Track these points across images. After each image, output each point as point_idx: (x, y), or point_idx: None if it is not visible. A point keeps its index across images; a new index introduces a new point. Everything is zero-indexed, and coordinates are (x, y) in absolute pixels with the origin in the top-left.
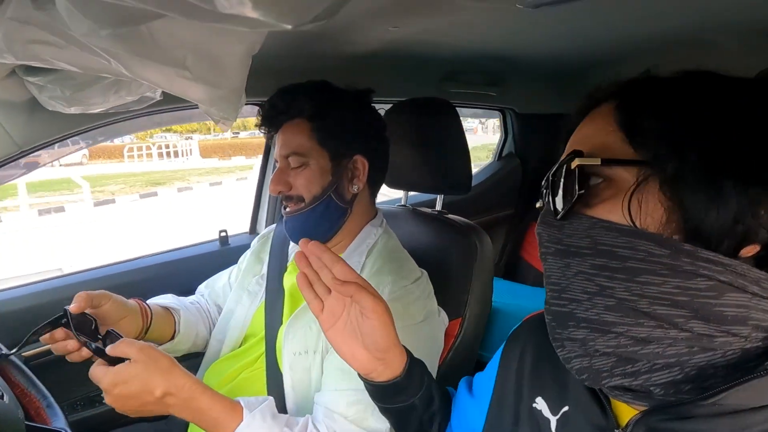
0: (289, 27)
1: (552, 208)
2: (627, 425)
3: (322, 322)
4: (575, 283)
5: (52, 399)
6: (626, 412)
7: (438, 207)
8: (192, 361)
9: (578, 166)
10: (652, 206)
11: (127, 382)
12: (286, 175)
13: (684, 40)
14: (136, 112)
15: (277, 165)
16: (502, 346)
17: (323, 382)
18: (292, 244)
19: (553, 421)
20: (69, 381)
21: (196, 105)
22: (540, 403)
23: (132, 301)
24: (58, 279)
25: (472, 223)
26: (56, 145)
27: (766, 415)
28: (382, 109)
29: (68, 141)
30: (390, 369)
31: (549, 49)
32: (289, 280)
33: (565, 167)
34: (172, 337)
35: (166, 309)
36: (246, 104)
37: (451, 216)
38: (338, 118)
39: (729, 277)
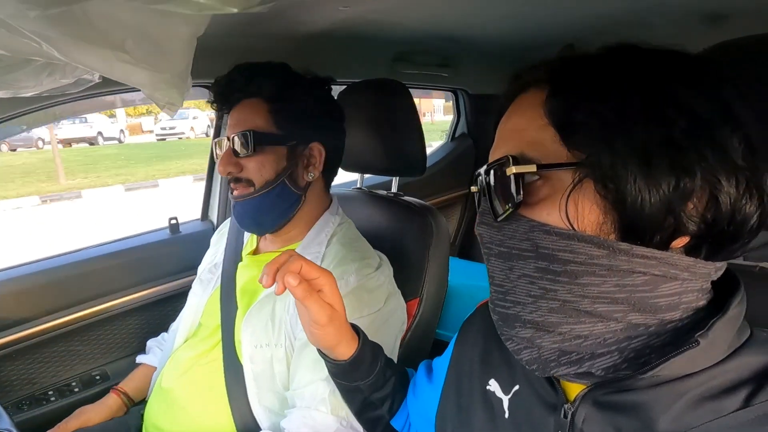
0: (235, 10)
1: (490, 209)
2: (575, 400)
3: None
4: (519, 286)
5: None
6: (574, 387)
7: (394, 189)
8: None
9: (515, 173)
10: (588, 207)
11: None
12: (237, 156)
13: (624, 21)
14: (73, 95)
15: (227, 145)
16: (454, 338)
17: (297, 378)
18: (247, 235)
19: (506, 400)
20: (11, 380)
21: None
22: (493, 385)
23: (111, 400)
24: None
25: (428, 204)
26: None
27: (699, 379)
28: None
29: None
30: (342, 347)
31: (497, 30)
32: (244, 273)
33: (499, 171)
34: None
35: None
36: (195, 86)
37: (406, 198)
38: (298, 103)
39: (662, 270)
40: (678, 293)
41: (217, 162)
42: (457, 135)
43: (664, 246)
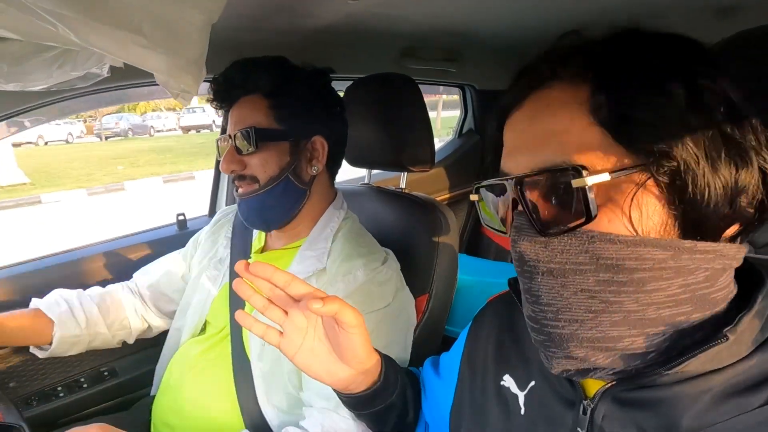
0: None
1: (533, 224)
2: (594, 396)
3: (285, 349)
4: (576, 303)
5: (2, 394)
6: (593, 384)
7: (402, 185)
8: (151, 350)
9: (579, 187)
10: (652, 209)
11: None
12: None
13: (634, 13)
14: (81, 90)
15: (230, 143)
16: (467, 327)
17: (308, 381)
18: (255, 232)
19: (521, 396)
20: (20, 376)
21: (145, 83)
22: (507, 380)
23: None
24: (9, 269)
25: (436, 200)
26: None
27: (723, 376)
28: (340, 89)
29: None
30: (368, 377)
31: (505, 25)
32: None
33: (552, 183)
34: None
35: (36, 315)
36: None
37: (414, 193)
38: (298, 97)
39: (720, 263)
40: (728, 284)
41: (221, 159)
42: (464, 131)
43: (717, 237)
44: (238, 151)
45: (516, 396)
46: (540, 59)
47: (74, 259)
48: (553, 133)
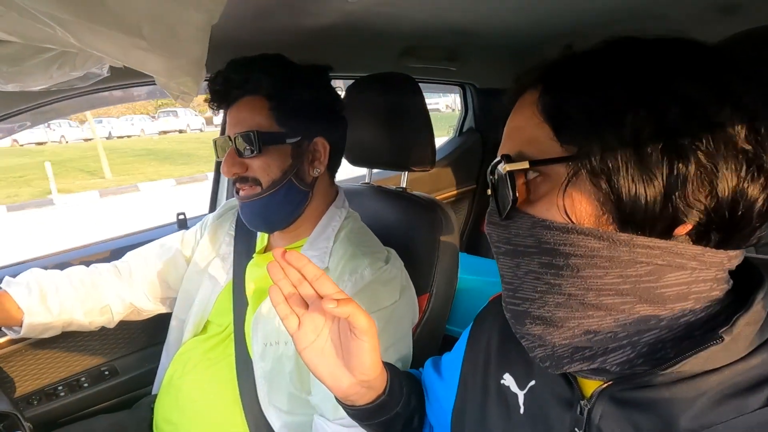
0: None
1: (496, 208)
2: (591, 396)
3: (298, 340)
4: (526, 282)
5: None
6: (590, 384)
7: (403, 184)
8: (152, 348)
9: (508, 172)
10: (585, 200)
11: None
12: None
13: (635, 12)
14: (81, 90)
15: (230, 145)
16: (469, 327)
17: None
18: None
19: (521, 395)
20: (21, 376)
21: (146, 83)
22: (507, 379)
23: None
24: (10, 268)
25: (437, 199)
26: None
27: (720, 376)
28: (340, 87)
29: None
30: (371, 391)
31: (505, 23)
32: (254, 271)
33: (497, 170)
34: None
35: (6, 298)
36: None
37: (415, 192)
38: (299, 98)
39: (666, 259)
40: (686, 283)
41: (222, 162)
42: (464, 129)
43: (667, 234)
44: (239, 153)
45: (516, 395)
46: (523, 71)
47: (73, 259)
48: (516, 129)
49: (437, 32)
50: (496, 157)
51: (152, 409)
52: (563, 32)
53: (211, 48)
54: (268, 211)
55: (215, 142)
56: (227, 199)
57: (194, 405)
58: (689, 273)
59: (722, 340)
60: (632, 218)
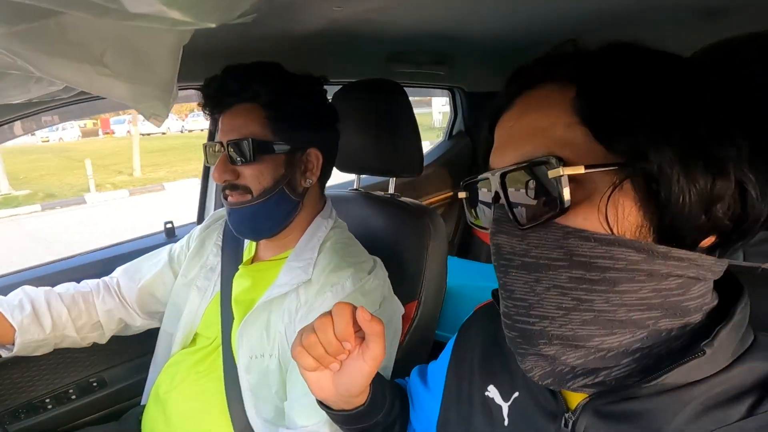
0: (213, 25)
1: (512, 217)
2: (576, 409)
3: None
4: (548, 299)
5: None
6: (575, 396)
7: (391, 190)
8: (140, 359)
9: (562, 176)
10: (628, 210)
11: None
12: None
13: (621, 18)
14: (64, 101)
15: (222, 151)
16: (454, 337)
17: (295, 395)
18: (246, 241)
19: (505, 407)
20: (7, 389)
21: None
22: (492, 391)
23: None
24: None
25: (425, 204)
26: None
27: (703, 387)
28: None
29: None
30: (353, 400)
31: (493, 28)
32: (240, 283)
33: (530, 174)
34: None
35: None
36: (186, 89)
37: (403, 199)
38: (295, 108)
39: (694, 272)
40: (702, 294)
41: (212, 169)
42: (454, 133)
43: (692, 247)
44: (231, 160)
45: (500, 407)
46: (534, 62)
47: (59, 270)
48: (539, 129)
49: (424, 37)
50: (487, 160)
51: (140, 421)
52: (551, 38)
53: (193, 57)
54: (257, 219)
55: (205, 147)
56: (215, 209)
57: (182, 418)
58: (704, 284)
59: (704, 353)
60: (673, 230)
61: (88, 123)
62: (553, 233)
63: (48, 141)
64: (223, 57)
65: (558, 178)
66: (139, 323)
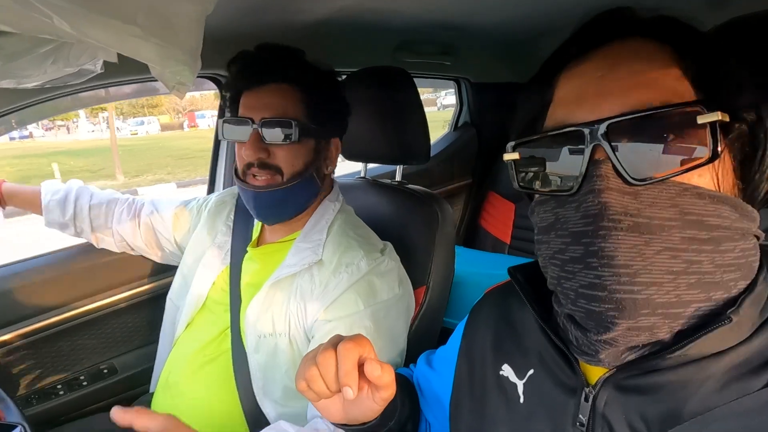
0: None
1: (623, 171)
2: (596, 383)
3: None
4: (657, 263)
5: (3, 393)
6: (595, 370)
7: (398, 178)
8: (150, 347)
9: (713, 122)
10: (728, 169)
11: None
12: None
13: (627, 6)
14: (75, 87)
15: (253, 128)
16: (464, 320)
17: None
18: (255, 222)
19: (520, 385)
20: (21, 374)
21: (140, 80)
22: (506, 370)
23: None
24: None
25: (432, 192)
26: None
27: (726, 359)
28: None
29: None
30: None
31: (499, 18)
32: (248, 265)
33: (659, 120)
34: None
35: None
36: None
37: (411, 186)
38: (328, 97)
39: (759, 231)
40: (757, 255)
41: (242, 146)
42: (460, 124)
43: (759, 208)
44: (263, 138)
45: (515, 385)
46: (606, 18)
47: (70, 257)
48: (647, 77)
49: (431, 27)
50: (492, 151)
51: (150, 408)
52: (558, 26)
53: (206, 42)
54: (284, 203)
55: (224, 122)
56: (224, 183)
57: (191, 402)
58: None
59: (730, 321)
60: (753, 191)
61: (167, 118)
62: (668, 191)
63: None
64: (232, 45)
65: (707, 125)
66: (141, 248)
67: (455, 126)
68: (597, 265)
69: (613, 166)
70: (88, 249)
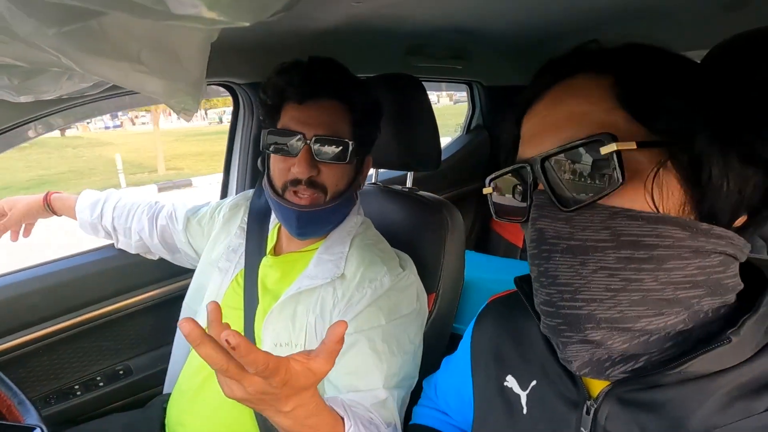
0: (247, 24)
1: (552, 201)
2: (598, 397)
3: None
4: (595, 281)
5: (23, 396)
6: (596, 384)
7: (409, 184)
8: (165, 348)
9: (616, 151)
10: (671, 188)
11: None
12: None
13: (641, 10)
14: (92, 97)
15: (305, 144)
16: (470, 331)
17: (336, 385)
18: (271, 225)
19: (523, 396)
20: (39, 375)
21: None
22: (510, 381)
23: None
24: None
25: (443, 198)
26: None
27: (727, 377)
28: None
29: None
30: None
31: (510, 21)
32: (267, 272)
33: (577, 153)
34: None
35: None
36: (211, 84)
37: (421, 192)
38: (372, 117)
39: (732, 250)
40: (736, 274)
41: (287, 161)
42: (472, 127)
43: (729, 226)
44: (314, 155)
45: (518, 396)
46: (563, 57)
47: (88, 261)
48: (577, 113)
49: (442, 32)
50: (511, 156)
51: (164, 408)
52: (570, 30)
53: (217, 52)
54: (325, 220)
55: (274, 132)
56: (236, 188)
57: (205, 406)
58: (736, 264)
59: (729, 341)
60: (713, 208)
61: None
62: (599, 214)
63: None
64: (246, 53)
65: (611, 154)
66: (156, 250)
67: (468, 129)
68: (546, 283)
69: (548, 196)
70: (105, 253)
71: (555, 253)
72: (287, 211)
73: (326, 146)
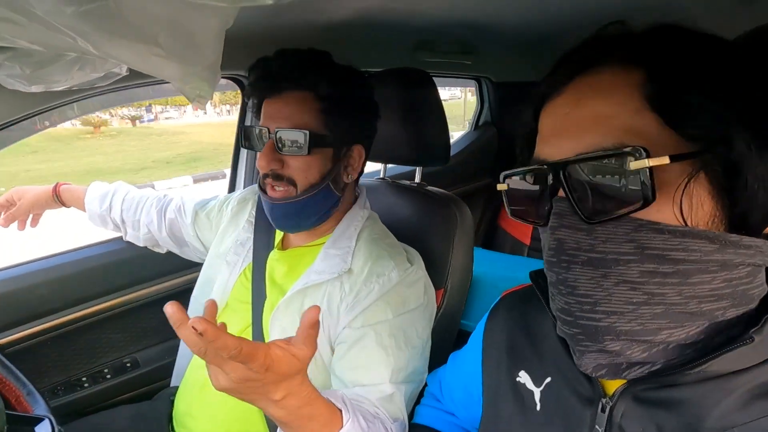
0: (270, 1)
1: (577, 211)
2: (614, 395)
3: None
4: (617, 294)
5: (31, 386)
6: (612, 381)
7: (417, 179)
8: (172, 341)
9: (647, 168)
10: (702, 200)
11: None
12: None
13: (654, 5)
14: (102, 89)
15: (266, 137)
16: (482, 322)
17: (342, 380)
18: None
19: (537, 392)
20: (47, 367)
21: (165, 81)
22: (523, 377)
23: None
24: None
25: (452, 194)
26: None
27: (747, 377)
28: None
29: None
30: None
31: (520, 16)
32: (274, 266)
33: (603, 164)
34: None
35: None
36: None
37: (430, 188)
38: (349, 104)
39: (761, 259)
40: (763, 282)
41: (258, 156)
42: (480, 123)
43: (758, 234)
44: (278, 149)
45: (532, 392)
46: (585, 45)
47: (96, 253)
48: (602, 116)
49: (451, 26)
50: (513, 151)
51: (172, 401)
52: (581, 24)
53: (225, 46)
54: (300, 215)
55: (245, 129)
56: (244, 183)
57: (212, 398)
58: (764, 271)
59: (752, 341)
60: (745, 218)
61: None
62: (624, 227)
63: None
64: (251, 46)
65: (642, 170)
66: (164, 243)
67: (476, 125)
68: (565, 292)
69: (570, 204)
70: (114, 246)
71: (575, 264)
72: (266, 204)
73: (287, 139)
